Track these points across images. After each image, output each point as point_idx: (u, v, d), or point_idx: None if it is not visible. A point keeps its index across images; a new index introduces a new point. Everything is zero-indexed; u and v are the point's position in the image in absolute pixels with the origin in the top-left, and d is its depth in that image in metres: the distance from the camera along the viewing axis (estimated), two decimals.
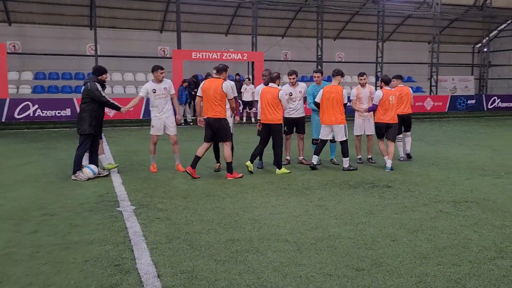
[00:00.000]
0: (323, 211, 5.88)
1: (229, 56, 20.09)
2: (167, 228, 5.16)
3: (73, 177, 7.79)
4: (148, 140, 8.88)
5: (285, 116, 9.12)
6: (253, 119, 19.20)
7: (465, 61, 30.59)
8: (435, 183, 7.55)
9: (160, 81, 8.54)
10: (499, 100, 25.43)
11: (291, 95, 9.28)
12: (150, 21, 23.49)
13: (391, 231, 5.06)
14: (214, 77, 8.07)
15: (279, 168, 8.54)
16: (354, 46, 27.02)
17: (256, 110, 9.72)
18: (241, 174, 8.08)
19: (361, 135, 9.85)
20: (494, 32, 28.98)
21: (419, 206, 6.08)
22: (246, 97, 18.68)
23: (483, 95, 25.46)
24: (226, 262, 4.20)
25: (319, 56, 22.27)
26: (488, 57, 27.24)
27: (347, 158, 8.76)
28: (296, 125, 9.47)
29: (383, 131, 9.00)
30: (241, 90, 18.95)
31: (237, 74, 20.45)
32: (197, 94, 8.25)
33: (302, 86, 9.44)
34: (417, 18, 26.55)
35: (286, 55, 25.56)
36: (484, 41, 28.51)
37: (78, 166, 7.83)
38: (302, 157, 9.61)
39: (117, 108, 8.19)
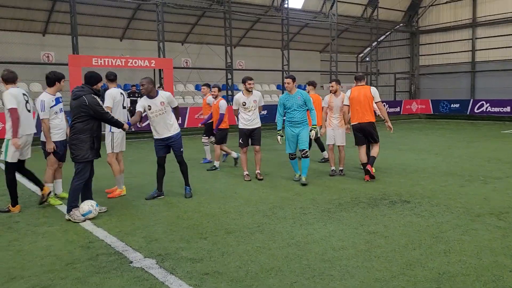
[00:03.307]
0: (385, 240, 4.99)
1: (135, 62, 18.13)
2: None
3: (67, 217, 5.95)
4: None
5: (240, 127, 8.56)
6: None
7: (349, 69, 32.41)
8: (442, 194, 7.18)
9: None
10: (387, 105, 27.36)
11: (244, 105, 8.45)
12: (30, 22, 20.30)
13: (491, 258, 4.37)
14: (359, 85, 8.45)
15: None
16: (254, 54, 26.78)
17: None
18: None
19: (332, 144, 9.28)
20: (375, 43, 31.20)
21: (469, 224, 5.54)
22: None
23: None
24: None
25: (229, 64, 21.36)
26: (377, 66, 29.16)
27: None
28: (251, 136, 8.58)
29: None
30: None
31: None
32: (344, 103, 8.59)
33: (256, 94, 8.57)
34: (312, 27, 27.31)
35: (186, 62, 24.15)
36: (366, 50, 30.50)
37: (75, 202, 5.97)
38: (258, 171, 8.71)
39: (119, 126, 6.45)
